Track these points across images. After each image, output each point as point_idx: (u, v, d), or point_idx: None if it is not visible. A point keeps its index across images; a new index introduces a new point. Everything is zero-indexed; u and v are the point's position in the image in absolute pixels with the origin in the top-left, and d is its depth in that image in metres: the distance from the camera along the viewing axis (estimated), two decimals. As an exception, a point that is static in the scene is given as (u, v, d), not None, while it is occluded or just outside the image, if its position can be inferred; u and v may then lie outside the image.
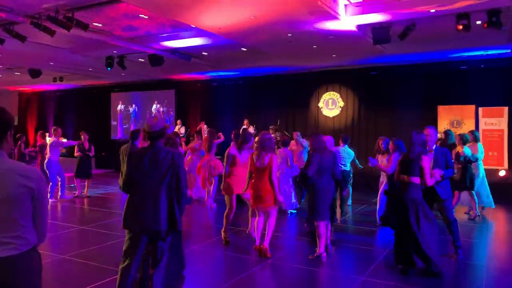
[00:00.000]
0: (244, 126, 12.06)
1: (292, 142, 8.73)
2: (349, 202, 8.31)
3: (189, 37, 9.08)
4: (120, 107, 17.16)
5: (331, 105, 13.12)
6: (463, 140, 6.84)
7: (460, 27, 6.82)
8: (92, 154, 9.48)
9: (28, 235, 1.91)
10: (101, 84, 16.82)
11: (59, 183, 8.84)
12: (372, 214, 7.28)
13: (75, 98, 18.30)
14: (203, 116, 14.71)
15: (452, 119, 10.96)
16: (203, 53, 10.71)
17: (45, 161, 8.79)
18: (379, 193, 6.76)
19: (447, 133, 7.45)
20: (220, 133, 9.34)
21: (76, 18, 7.08)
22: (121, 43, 9.34)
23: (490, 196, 7.43)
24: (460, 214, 7.56)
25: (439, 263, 4.28)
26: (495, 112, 10.42)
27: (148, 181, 3.19)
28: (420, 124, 9.50)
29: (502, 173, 10.07)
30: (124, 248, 3.27)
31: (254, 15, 7.02)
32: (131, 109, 16.91)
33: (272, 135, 6.22)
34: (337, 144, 7.24)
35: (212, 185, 8.07)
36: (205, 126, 11.95)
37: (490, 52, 10.20)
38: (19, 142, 10.35)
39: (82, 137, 9.48)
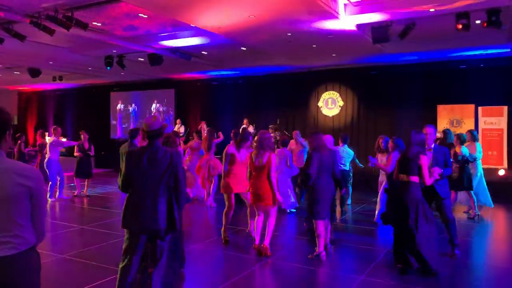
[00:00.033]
0: (244, 126, 12.06)
1: (292, 141, 8.73)
2: (349, 201, 8.31)
3: (189, 37, 9.08)
4: (119, 106, 17.16)
5: (330, 104, 13.12)
6: (461, 140, 6.84)
7: (460, 26, 6.83)
8: (92, 153, 9.48)
9: (26, 235, 1.91)
10: (101, 84, 16.82)
11: (58, 182, 8.84)
12: (371, 214, 7.28)
13: (75, 98, 18.30)
14: (202, 116, 14.72)
15: (451, 118, 10.96)
16: (203, 52, 10.70)
17: (45, 160, 8.79)
18: (379, 193, 6.77)
19: (445, 132, 7.45)
20: (220, 133, 9.34)
21: (75, 18, 7.08)
22: (121, 42, 9.33)
23: (489, 195, 7.44)
24: (459, 213, 7.57)
25: (434, 264, 4.27)
26: (494, 111, 10.43)
27: (147, 180, 3.19)
28: (420, 124, 9.48)
29: (501, 172, 10.08)
30: (123, 247, 3.27)
31: (254, 15, 7.01)
32: (130, 109, 16.91)
33: (272, 135, 6.23)
34: (336, 144, 7.25)
35: (212, 185, 8.07)
36: (205, 125, 11.98)
37: (489, 51, 10.21)
38: (19, 141, 10.34)
39: (82, 136, 9.47)
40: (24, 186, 1.89)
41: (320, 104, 13.28)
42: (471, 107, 10.73)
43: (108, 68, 11.13)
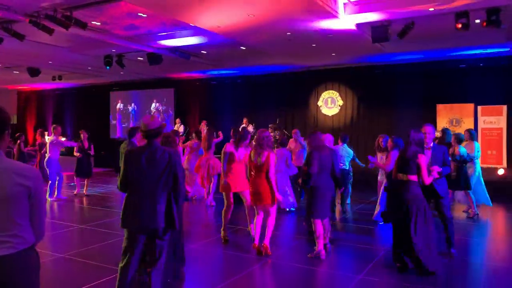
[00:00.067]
0: (243, 125, 12.06)
1: (291, 140, 8.73)
2: (348, 200, 8.31)
3: (188, 36, 9.08)
4: (119, 105, 17.15)
5: (330, 103, 13.12)
6: (458, 139, 6.84)
7: (459, 25, 6.82)
8: (92, 153, 9.48)
9: (25, 234, 1.91)
10: (100, 83, 16.81)
11: (57, 182, 8.84)
12: (371, 213, 7.28)
13: (74, 97, 18.29)
14: (202, 115, 14.73)
15: (451, 117, 10.97)
16: (202, 51, 10.70)
17: (45, 159, 8.79)
18: (380, 192, 6.77)
19: (444, 131, 7.46)
20: (220, 132, 9.34)
21: (74, 17, 7.07)
22: (120, 41, 9.33)
23: (487, 194, 7.45)
24: (459, 212, 7.58)
25: (430, 265, 4.27)
26: (494, 110, 10.44)
27: (145, 180, 3.19)
28: (420, 123, 9.44)
29: (500, 171, 10.09)
30: (123, 247, 3.28)
31: (253, 14, 7.01)
32: (130, 108, 16.90)
33: (271, 134, 6.23)
34: (336, 143, 7.24)
35: (212, 184, 8.08)
36: (205, 125, 11.96)
37: (489, 50, 10.21)
38: (18, 141, 10.34)
39: (81, 136, 9.48)
40: (23, 186, 1.89)
41: (319, 103, 13.28)
42: (471, 106, 10.74)
43: (108, 67, 11.12)
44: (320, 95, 13.28)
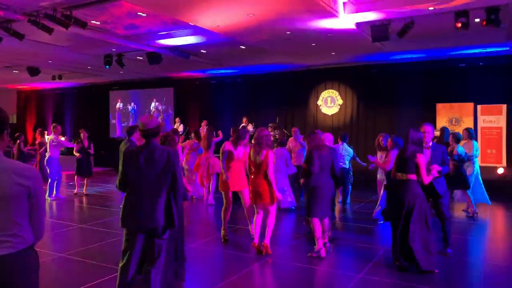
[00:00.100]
0: (243, 124, 12.06)
1: (290, 139, 8.74)
2: (348, 200, 8.31)
3: (188, 35, 9.07)
4: (119, 105, 17.15)
5: (330, 103, 13.12)
6: (456, 138, 6.84)
7: (459, 24, 6.82)
8: (91, 152, 9.48)
9: (25, 234, 1.91)
10: (100, 82, 16.81)
11: (55, 181, 8.84)
12: (370, 212, 7.29)
13: (74, 97, 18.29)
14: (201, 114, 14.72)
15: (451, 116, 10.97)
16: (201, 51, 10.70)
17: (46, 158, 8.80)
18: (380, 191, 6.77)
19: (443, 130, 7.46)
20: (220, 131, 9.33)
21: (74, 16, 7.06)
22: (120, 41, 9.32)
23: (485, 193, 7.45)
24: (458, 211, 7.58)
25: (425, 263, 4.28)
26: (493, 109, 10.44)
27: (144, 179, 3.19)
28: (419, 122, 9.48)
29: (500, 170, 10.09)
30: (123, 247, 3.28)
31: (253, 13, 7.01)
32: (130, 107, 16.90)
33: (271, 133, 6.23)
34: (335, 142, 7.25)
35: (211, 183, 8.08)
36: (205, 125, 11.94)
37: (489, 49, 10.21)
38: (18, 141, 10.34)
39: (81, 135, 9.48)
40: (23, 185, 1.89)
41: (319, 102, 13.28)
42: (470, 105, 10.74)
43: (107, 67, 11.12)
44: (320, 94, 13.28)
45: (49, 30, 7.34)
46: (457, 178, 6.79)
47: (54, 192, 8.76)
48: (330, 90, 13.15)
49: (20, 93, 19.90)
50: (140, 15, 7.72)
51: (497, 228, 7.16)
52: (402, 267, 4.42)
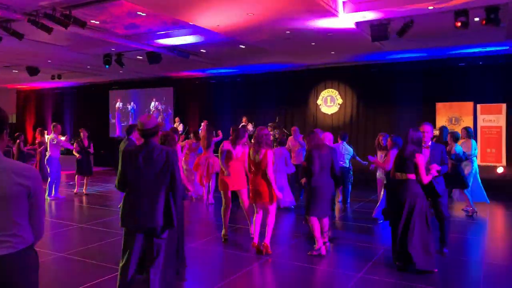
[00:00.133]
0: (243, 123, 12.06)
1: (290, 138, 8.74)
2: (348, 199, 8.31)
3: (187, 35, 9.07)
4: (118, 104, 17.14)
5: (329, 102, 13.12)
6: (454, 137, 6.85)
7: (459, 24, 6.82)
8: (91, 151, 9.48)
9: (24, 234, 1.91)
10: (100, 82, 16.80)
11: (55, 181, 8.83)
12: (370, 211, 7.29)
13: (74, 96, 18.28)
14: (201, 114, 14.72)
15: (450, 116, 10.97)
16: (201, 50, 10.69)
17: (46, 158, 8.81)
18: (379, 190, 6.77)
19: (442, 129, 7.46)
20: (219, 131, 9.32)
21: (73, 16, 7.06)
22: (119, 40, 9.32)
23: (484, 192, 7.45)
24: (458, 211, 7.59)
25: (422, 263, 4.28)
26: (493, 109, 10.44)
27: (143, 179, 3.20)
28: (419, 121, 9.50)
29: (500, 170, 10.10)
30: (122, 246, 3.28)
31: (253, 13, 7.00)
32: (129, 107, 16.89)
33: (271, 132, 6.23)
34: (335, 141, 7.25)
35: (211, 182, 8.09)
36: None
37: (488, 49, 10.21)
38: (18, 140, 10.34)
39: (81, 134, 9.48)
40: (23, 185, 1.89)
41: (319, 102, 13.28)
42: (470, 104, 10.74)
43: (107, 66, 11.11)
44: (320, 93, 13.28)
45: (49, 30, 7.34)
46: (455, 177, 6.79)
47: (53, 191, 8.76)
48: (330, 90, 13.15)
49: (20, 92, 19.89)
50: (140, 14, 7.72)
51: (496, 227, 7.16)
52: (402, 266, 4.42)
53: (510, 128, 10.34)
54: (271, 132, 9.72)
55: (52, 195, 8.72)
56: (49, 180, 8.68)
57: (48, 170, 8.79)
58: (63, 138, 10.83)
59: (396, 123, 11.62)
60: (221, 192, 5.61)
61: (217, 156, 5.87)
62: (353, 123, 12.76)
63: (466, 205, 7.52)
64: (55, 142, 8.75)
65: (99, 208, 7.91)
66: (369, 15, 7.24)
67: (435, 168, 4.52)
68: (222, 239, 5.59)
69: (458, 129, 9.37)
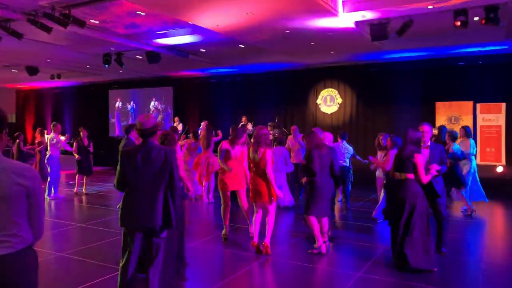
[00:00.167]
0: (243, 123, 12.06)
1: (290, 137, 8.74)
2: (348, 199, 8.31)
3: (187, 34, 9.06)
4: (118, 104, 17.14)
5: (329, 101, 13.13)
6: (452, 137, 6.85)
7: (458, 23, 6.82)
8: (91, 150, 9.48)
9: (24, 233, 1.92)
10: (99, 81, 16.79)
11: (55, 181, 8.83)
12: (370, 211, 7.30)
13: (73, 96, 18.28)
14: (201, 113, 14.71)
15: (450, 115, 10.97)
16: (201, 50, 10.69)
17: (47, 157, 8.82)
18: (381, 189, 6.77)
19: (440, 129, 7.47)
20: (219, 131, 9.32)
21: (72, 15, 7.05)
22: (119, 40, 9.31)
23: (482, 191, 7.46)
24: (457, 210, 7.60)
25: (419, 262, 4.29)
26: (492, 108, 10.44)
27: (142, 179, 3.20)
28: (418, 121, 9.49)
29: (499, 169, 10.10)
30: (122, 246, 3.29)
31: (252, 12, 7.00)
32: (129, 106, 16.89)
33: (270, 132, 6.22)
34: (335, 141, 7.25)
35: (211, 181, 8.09)
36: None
37: (488, 48, 10.21)
38: (18, 140, 10.33)
39: (81, 133, 9.48)
40: (22, 185, 1.89)
41: (318, 101, 13.28)
42: (469, 104, 10.74)
43: (106, 66, 11.11)
44: (319, 93, 13.28)
45: (48, 29, 7.33)
46: (451, 176, 6.81)
47: (53, 191, 8.76)
48: (330, 89, 13.16)
49: (19, 92, 19.88)
50: (139, 14, 7.71)
51: (496, 226, 7.17)
52: (402, 265, 4.42)
53: (510, 127, 10.35)
54: (271, 132, 9.72)
55: (52, 194, 8.72)
56: (49, 179, 8.68)
57: (49, 169, 8.79)
58: (63, 138, 10.81)
59: (395, 122, 11.63)
60: (220, 192, 5.61)
61: (217, 155, 5.87)
62: (353, 122, 12.76)
63: (463, 205, 7.53)
64: (54, 141, 8.75)
65: (99, 208, 7.92)
66: (368, 15, 7.24)
67: (435, 168, 4.52)
68: (222, 239, 5.59)
69: (457, 128, 9.38)
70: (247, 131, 10.07)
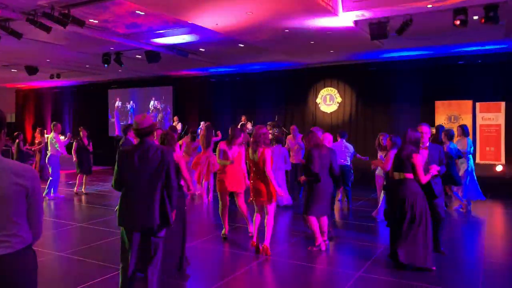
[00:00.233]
0: (242, 122, 12.06)
1: (289, 137, 8.74)
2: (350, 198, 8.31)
3: (186, 34, 9.05)
4: (117, 103, 17.13)
5: (328, 101, 13.12)
6: (448, 136, 6.85)
7: (458, 22, 6.82)
8: (90, 149, 9.47)
9: (23, 233, 1.92)
10: (99, 81, 16.78)
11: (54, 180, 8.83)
12: (370, 210, 7.30)
13: (73, 95, 18.26)
14: (200, 113, 14.71)
15: (449, 114, 10.97)
16: (200, 49, 10.68)
17: (47, 156, 8.81)
18: (380, 188, 6.77)
19: (438, 128, 7.47)
20: (219, 132, 9.31)
21: (72, 15, 7.05)
22: (118, 39, 9.30)
23: (479, 189, 7.47)
24: (453, 209, 7.60)
25: (420, 261, 4.30)
26: (492, 107, 10.45)
27: (139, 178, 3.20)
28: (418, 120, 9.53)
29: (499, 168, 10.11)
30: (121, 246, 3.29)
31: (251, 11, 7.00)
32: (128, 106, 16.88)
33: (270, 131, 6.23)
34: (335, 140, 7.25)
35: (210, 181, 8.09)
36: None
37: (487, 47, 10.21)
38: (17, 140, 10.33)
39: (81, 133, 9.48)
40: (21, 185, 1.89)
41: (318, 100, 13.28)
42: (469, 103, 10.74)
43: (106, 65, 11.10)
44: (319, 92, 13.28)
45: (47, 29, 7.32)
46: (446, 175, 6.83)
47: (52, 191, 8.76)
48: (329, 88, 13.15)
49: (19, 92, 19.86)
50: (139, 13, 7.70)
51: (495, 225, 7.18)
52: (401, 265, 4.43)
53: (509, 126, 10.35)
54: (270, 131, 9.72)
55: (52, 194, 8.72)
56: (50, 179, 8.67)
57: (49, 169, 8.79)
58: (62, 138, 10.81)
59: (395, 121, 11.63)
60: (219, 193, 5.61)
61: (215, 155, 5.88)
62: (352, 121, 12.76)
63: (458, 204, 7.53)
64: (54, 141, 8.75)
65: (99, 207, 7.92)
66: (368, 14, 7.23)
67: (434, 168, 4.52)
68: (221, 238, 5.59)
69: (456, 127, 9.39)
70: (247, 130, 10.08)
